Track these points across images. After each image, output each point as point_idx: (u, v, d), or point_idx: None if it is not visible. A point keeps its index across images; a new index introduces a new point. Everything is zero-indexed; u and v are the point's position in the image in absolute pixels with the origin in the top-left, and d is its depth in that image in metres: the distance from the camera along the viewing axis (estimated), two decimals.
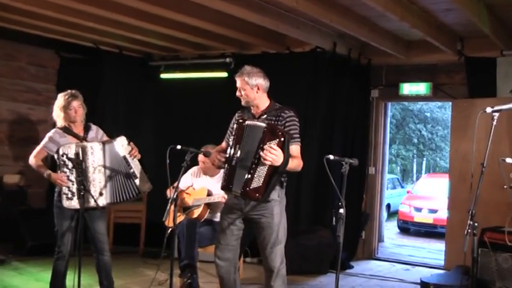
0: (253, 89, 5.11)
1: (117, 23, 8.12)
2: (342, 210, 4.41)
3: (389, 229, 16.61)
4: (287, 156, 4.78)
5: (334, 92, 9.14)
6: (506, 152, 7.72)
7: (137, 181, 5.93)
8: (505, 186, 5.92)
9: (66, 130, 5.92)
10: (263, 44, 9.10)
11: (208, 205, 6.91)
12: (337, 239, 4.44)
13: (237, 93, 5.18)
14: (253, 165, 4.83)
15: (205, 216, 6.88)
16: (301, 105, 8.23)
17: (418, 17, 7.31)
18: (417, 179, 29.37)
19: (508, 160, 5.06)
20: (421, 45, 8.88)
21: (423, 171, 35.63)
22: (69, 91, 5.97)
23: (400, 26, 7.71)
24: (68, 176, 5.69)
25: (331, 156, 4.55)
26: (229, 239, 5.17)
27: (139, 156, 5.96)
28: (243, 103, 5.22)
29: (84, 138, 5.93)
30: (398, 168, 36.70)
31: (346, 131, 9.30)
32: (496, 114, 4.59)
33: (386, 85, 9.90)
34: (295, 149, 4.97)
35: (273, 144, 4.71)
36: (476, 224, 4.48)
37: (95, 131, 6.11)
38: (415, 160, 36.85)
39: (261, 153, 4.70)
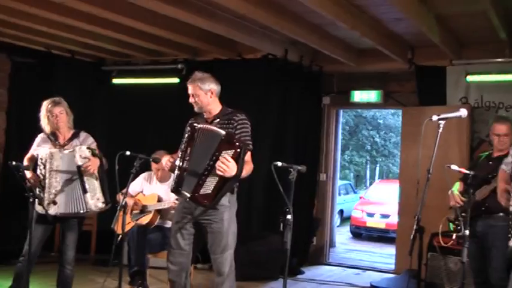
0: (207, 94, 5.13)
1: (69, 28, 8.03)
2: (289, 217, 4.43)
3: (342, 234, 16.77)
4: (241, 167, 4.80)
5: (286, 98, 9.20)
6: (455, 158, 7.85)
7: (87, 196, 5.81)
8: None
9: (49, 136, 5.95)
10: (215, 50, 9.10)
11: (158, 211, 6.90)
12: (284, 245, 4.45)
13: (190, 100, 5.18)
14: (206, 172, 4.84)
15: (156, 223, 6.87)
16: (252, 112, 8.13)
17: (369, 25, 7.39)
18: (370, 184, 29.69)
19: (453, 167, 5.16)
20: (372, 54, 8.93)
21: (376, 177, 36.00)
22: (52, 98, 6.01)
23: (350, 34, 7.78)
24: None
25: (279, 163, 4.56)
26: (181, 244, 5.17)
27: (92, 170, 5.81)
28: (196, 109, 5.22)
29: (62, 146, 5.90)
30: (352, 174, 37.02)
31: (297, 138, 9.37)
32: (442, 122, 4.69)
33: (337, 92, 10.01)
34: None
35: (229, 154, 4.74)
36: (422, 229, 4.57)
37: (81, 138, 6.06)
38: (368, 166, 37.21)
39: (217, 164, 4.73)
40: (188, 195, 4.90)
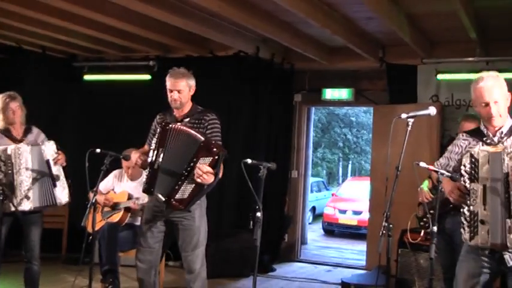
0: (191, 90, 5.09)
1: (40, 23, 7.96)
2: (259, 214, 4.44)
3: (315, 231, 16.84)
4: (218, 173, 4.79)
5: (258, 95, 9.23)
6: (426, 156, 7.90)
7: (56, 190, 5.80)
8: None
9: (4, 132, 5.84)
10: (187, 47, 9.10)
11: (128, 209, 6.86)
12: (254, 242, 4.45)
13: (174, 96, 5.03)
14: (182, 178, 4.81)
15: (126, 220, 6.83)
16: (224, 109, 8.23)
17: (340, 24, 7.43)
18: (343, 181, 29.84)
19: (422, 164, 5.19)
20: (343, 52, 8.99)
21: (349, 174, 36.18)
22: (7, 93, 5.89)
23: (322, 32, 7.82)
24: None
25: (249, 161, 4.56)
26: (150, 241, 5.15)
27: (63, 163, 5.84)
28: (175, 105, 5.10)
29: (21, 141, 5.83)
30: (324, 171, 37.16)
31: (269, 135, 9.40)
32: (411, 120, 4.72)
33: (309, 90, 10.06)
34: None
35: (206, 162, 4.70)
36: (391, 226, 4.60)
37: (35, 134, 6.00)
38: (340, 163, 37.38)
39: (195, 171, 4.69)
40: (163, 199, 4.87)
